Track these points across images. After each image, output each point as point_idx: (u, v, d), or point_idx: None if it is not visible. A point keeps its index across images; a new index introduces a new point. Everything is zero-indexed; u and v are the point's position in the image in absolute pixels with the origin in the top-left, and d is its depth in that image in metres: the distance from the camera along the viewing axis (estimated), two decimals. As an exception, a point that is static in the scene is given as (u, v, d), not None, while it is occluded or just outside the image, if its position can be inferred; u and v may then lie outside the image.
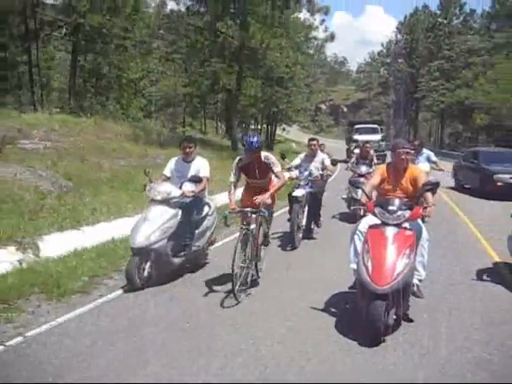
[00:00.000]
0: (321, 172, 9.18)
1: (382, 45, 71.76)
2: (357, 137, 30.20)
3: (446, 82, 48.97)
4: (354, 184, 6.68)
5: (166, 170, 6.70)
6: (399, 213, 4.86)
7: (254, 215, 5.94)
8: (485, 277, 6.53)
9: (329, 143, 35.67)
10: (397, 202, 4.96)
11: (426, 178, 5.44)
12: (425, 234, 5.23)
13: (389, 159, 9.16)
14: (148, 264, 5.88)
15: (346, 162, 14.02)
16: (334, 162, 11.03)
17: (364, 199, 5.29)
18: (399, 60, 58.61)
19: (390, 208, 4.89)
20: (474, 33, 52.18)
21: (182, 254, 6.36)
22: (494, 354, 4.22)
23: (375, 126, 34.99)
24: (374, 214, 4.96)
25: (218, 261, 6.92)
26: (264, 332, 4.64)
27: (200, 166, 6.67)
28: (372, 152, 11.72)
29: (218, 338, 4.48)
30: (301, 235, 8.58)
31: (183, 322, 4.85)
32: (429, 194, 5.14)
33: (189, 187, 6.40)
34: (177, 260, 6.26)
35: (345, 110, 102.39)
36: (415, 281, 5.18)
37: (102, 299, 5.45)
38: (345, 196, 11.58)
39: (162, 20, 30.22)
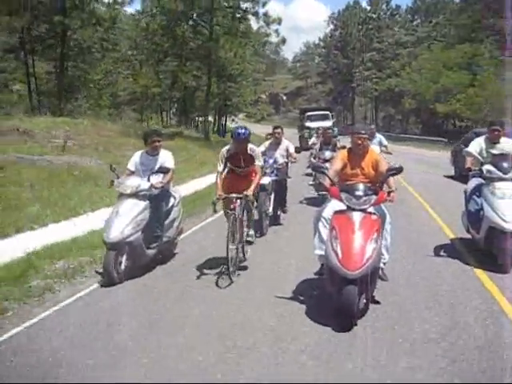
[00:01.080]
0: (285, 159, 9.37)
1: (319, 38, 77.11)
2: (309, 124, 31.16)
3: (378, 71, 54.80)
4: (317, 169, 6.37)
5: (130, 165, 6.69)
6: (365, 198, 4.86)
7: (239, 201, 6.20)
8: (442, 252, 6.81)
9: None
10: (362, 186, 4.96)
11: (386, 163, 5.61)
12: (388, 217, 5.22)
13: (341, 145, 10.72)
14: (124, 257, 5.94)
15: (310, 148, 14.48)
16: (298, 150, 11.50)
17: (328, 184, 5.22)
18: (335, 52, 63.92)
19: (357, 193, 4.87)
20: (400, 27, 58.34)
21: (155, 245, 6.40)
22: (452, 326, 4.40)
23: (326, 112, 35.29)
24: (340, 200, 4.92)
25: (187, 250, 7.18)
26: (237, 318, 4.72)
27: (165, 158, 6.71)
28: (335, 137, 12.25)
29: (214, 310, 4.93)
30: (268, 222, 8.63)
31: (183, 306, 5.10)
32: (391, 179, 5.21)
33: (156, 179, 6.45)
34: (150, 252, 6.30)
35: (284, 98, 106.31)
36: (380, 264, 5.08)
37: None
38: (311, 182, 11.87)
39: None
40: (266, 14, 27.51)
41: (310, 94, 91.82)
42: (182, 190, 11.21)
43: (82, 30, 24.36)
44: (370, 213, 4.80)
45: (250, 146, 6.55)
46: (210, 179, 13.13)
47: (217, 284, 5.68)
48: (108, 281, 5.69)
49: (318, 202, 10.28)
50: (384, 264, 5.16)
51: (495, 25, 46.22)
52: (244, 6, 28.21)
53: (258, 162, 6.60)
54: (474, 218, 6.67)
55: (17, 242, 7.24)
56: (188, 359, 3.89)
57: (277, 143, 9.27)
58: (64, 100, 27.43)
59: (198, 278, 5.97)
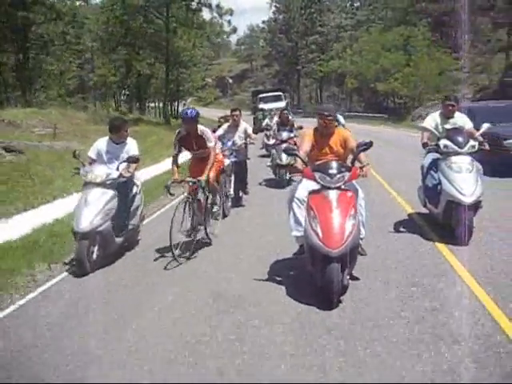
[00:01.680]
0: (244, 141, 9.53)
1: (263, 21, 78.99)
2: (262, 105, 31.35)
3: (321, 54, 57.56)
4: (288, 151, 5.70)
5: (92, 152, 6.66)
6: (339, 175, 4.85)
7: (194, 185, 6.38)
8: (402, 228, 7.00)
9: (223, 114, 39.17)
10: (335, 164, 4.98)
11: (354, 140, 5.46)
12: (360, 193, 5.23)
13: (298, 125, 11.60)
14: (96, 247, 5.99)
15: (266, 129, 14.79)
16: (256, 131, 12.51)
17: (300, 165, 5.20)
18: (280, 35, 66.24)
19: (331, 171, 4.86)
20: (340, 11, 61.28)
21: (123, 233, 6.49)
22: (416, 291, 4.70)
23: (279, 93, 36.20)
24: (314, 179, 4.92)
25: (150, 235, 7.39)
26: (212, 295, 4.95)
27: (131, 146, 6.73)
28: (291, 118, 12.57)
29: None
30: (230, 204, 8.75)
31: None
32: (362, 154, 5.17)
33: (123, 167, 6.46)
34: (118, 240, 6.37)
35: (230, 81, 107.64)
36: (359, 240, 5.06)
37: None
38: (269, 163, 12.06)
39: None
40: (218, 6, 29.49)
41: (255, 77, 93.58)
42: (159, 169, 12.71)
43: (44, 24, 25.49)
44: (345, 190, 4.87)
45: (200, 127, 6.70)
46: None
47: (165, 268, 5.89)
48: (80, 270, 5.77)
49: (277, 183, 10.87)
50: (361, 239, 5.16)
51: (427, 8, 49.80)
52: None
53: (210, 143, 6.73)
54: (432, 192, 6.77)
55: (57, 206, 9.38)
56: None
57: (235, 125, 9.46)
58: (28, 91, 28.53)
59: (156, 260, 6.23)
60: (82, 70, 43.01)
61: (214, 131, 8.82)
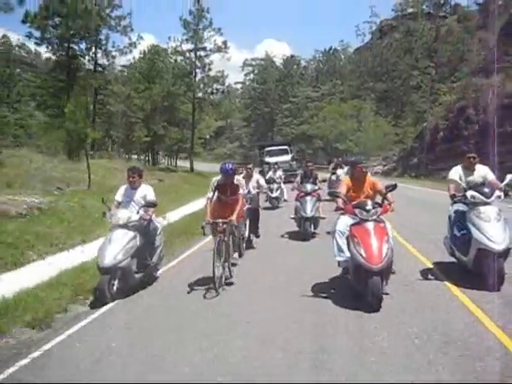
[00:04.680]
0: (257, 190, 10.52)
1: (236, 83, 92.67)
2: (268, 159, 31.44)
3: (293, 119, 71.68)
4: (332, 194, 6.97)
5: (117, 197, 7.50)
6: (374, 210, 6.21)
7: (224, 225, 7.15)
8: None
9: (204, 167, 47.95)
10: (370, 202, 6.34)
11: (383, 184, 6.96)
12: (388, 224, 6.38)
13: (322, 178, 12.95)
14: (116, 281, 6.64)
15: (269, 182, 15.41)
16: (272, 180, 14.53)
17: (342, 203, 6.52)
18: (259, 101, 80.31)
19: (367, 208, 6.22)
20: (308, 85, 76.32)
21: (143, 270, 7.18)
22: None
23: (285, 147, 35.50)
24: (354, 214, 6.24)
25: (166, 275, 8.03)
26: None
27: (146, 191, 7.49)
28: (315, 171, 12.60)
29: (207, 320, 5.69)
30: (244, 245, 9.39)
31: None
32: (389, 194, 6.58)
33: (143, 211, 7.22)
34: (138, 276, 7.06)
35: (207, 136, 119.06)
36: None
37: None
38: (293, 216, 11.92)
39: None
40: (228, 89, 42.93)
41: (231, 134, 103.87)
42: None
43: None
44: (379, 221, 6.19)
45: (236, 177, 7.72)
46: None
47: (204, 296, 6.60)
48: (101, 300, 6.40)
49: (301, 235, 11.06)
50: (391, 261, 6.21)
51: (374, 86, 64.92)
52: (215, 86, 43.95)
53: (242, 191, 7.66)
54: (461, 241, 6.97)
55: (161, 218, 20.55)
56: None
57: (249, 176, 10.39)
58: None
59: (189, 293, 6.89)
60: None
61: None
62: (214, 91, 44.01)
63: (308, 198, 11.33)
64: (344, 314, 5.68)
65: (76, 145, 21.62)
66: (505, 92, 25.78)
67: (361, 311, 5.65)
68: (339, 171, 18.00)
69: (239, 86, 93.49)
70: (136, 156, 63.79)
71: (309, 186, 11.59)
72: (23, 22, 27.72)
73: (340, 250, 6.46)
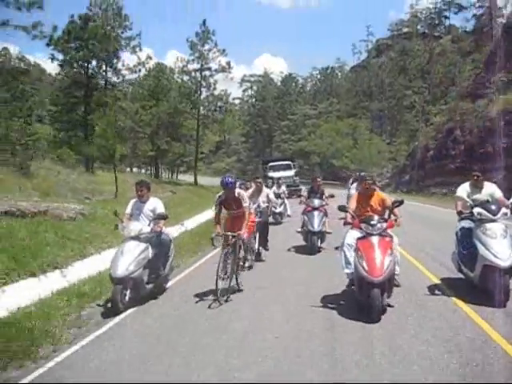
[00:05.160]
0: (267, 204, 11.05)
1: (233, 99, 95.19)
2: (272, 174, 31.28)
3: (292, 135, 74.24)
4: (342, 209, 7.21)
5: (128, 209, 7.79)
6: (379, 225, 6.50)
7: (233, 238, 7.50)
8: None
9: (204, 181, 49.42)
10: (376, 217, 6.65)
11: (391, 199, 7.29)
12: (395, 239, 6.77)
13: (329, 194, 12.46)
14: (128, 291, 6.91)
15: (299, 196, 15.14)
16: (277, 195, 14.64)
17: (350, 218, 6.90)
18: (257, 118, 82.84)
19: (372, 222, 6.53)
20: (305, 103, 79.06)
21: (153, 280, 7.46)
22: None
23: (288, 162, 35.88)
24: (360, 228, 6.57)
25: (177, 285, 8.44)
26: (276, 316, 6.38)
27: (155, 204, 7.75)
28: (322, 186, 12.50)
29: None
30: (254, 257, 9.71)
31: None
32: (396, 209, 6.92)
33: (153, 223, 7.50)
34: (149, 286, 7.34)
35: (206, 151, 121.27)
36: (395, 273, 6.63)
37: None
38: (299, 229, 12.13)
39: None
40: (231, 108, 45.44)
41: (228, 149, 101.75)
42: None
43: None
44: (384, 235, 6.49)
45: (237, 190, 7.84)
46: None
47: (210, 307, 6.92)
48: (114, 310, 6.69)
49: (308, 249, 11.31)
50: (397, 275, 6.91)
51: (369, 105, 67.60)
52: (219, 103, 46.39)
53: (245, 204, 7.80)
54: (468, 257, 7.11)
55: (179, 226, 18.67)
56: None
57: (258, 190, 10.85)
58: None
59: (197, 303, 7.22)
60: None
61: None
62: (218, 109, 46.36)
63: (315, 212, 11.56)
64: (349, 323, 6.03)
65: (106, 159, 23.71)
66: (487, 116, 28.18)
67: (362, 322, 5.98)
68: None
69: (237, 101, 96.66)
70: (137, 169, 66.07)
71: (316, 201, 11.78)
72: (47, 45, 30.08)
73: (347, 262, 6.77)
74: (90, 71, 35.34)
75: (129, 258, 6.94)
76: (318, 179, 12.74)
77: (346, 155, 57.74)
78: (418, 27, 73.96)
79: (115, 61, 36.82)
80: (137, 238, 7.22)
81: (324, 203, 11.78)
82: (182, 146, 54.02)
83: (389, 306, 6.47)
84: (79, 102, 37.59)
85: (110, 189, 24.76)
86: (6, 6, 19.70)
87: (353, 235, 6.83)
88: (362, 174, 9.67)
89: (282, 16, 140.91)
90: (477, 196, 7.38)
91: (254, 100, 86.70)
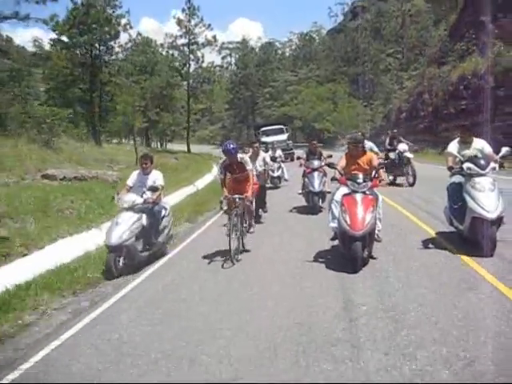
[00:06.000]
0: (264, 167, 11.28)
1: (215, 65, 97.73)
2: (264, 139, 30.82)
3: (274, 101, 77.42)
4: (331, 166, 7.77)
5: (129, 181, 8.14)
6: (363, 183, 6.86)
7: (240, 200, 7.87)
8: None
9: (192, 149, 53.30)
10: (361, 176, 6.99)
11: (378, 160, 7.82)
12: (380, 197, 7.19)
13: (327, 154, 13.00)
14: (122, 258, 7.28)
15: (298, 158, 14.38)
16: (274, 159, 14.99)
17: (338, 176, 7.26)
18: (240, 85, 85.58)
19: (358, 180, 6.90)
20: (287, 69, 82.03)
21: (149, 248, 7.81)
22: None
23: (281, 126, 36.09)
24: (346, 185, 6.96)
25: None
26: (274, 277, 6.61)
27: (156, 176, 8.16)
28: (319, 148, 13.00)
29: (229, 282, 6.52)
30: (253, 220, 9.47)
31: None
32: (381, 171, 7.42)
33: (149, 195, 7.83)
34: (144, 254, 7.71)
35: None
36: (376, 229, 7.00)
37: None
38: (300, 191, 12.53)
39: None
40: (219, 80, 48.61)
41: (211, 116, 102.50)
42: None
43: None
44: (368, 194, 6.84)
45: (239, 155, 8.17)
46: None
47: (223, 266, 7.30)
48: (108, 275, 7.10)
49: (309, 209, 11.81)
50: (379, 231, 7.29)
51: (347, 70, 70.86)
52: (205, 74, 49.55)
53: (248, 167, 8.17)
54: (458, 211, 7.37)
55: (192, 186, 22.74)
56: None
57: (255, 154, 11.24)
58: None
59: (209, 263, 7.60)
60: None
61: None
62: (206, 80, 49.50)
63: (315, 173, 11.96)
64: (335, 274, 6.51)
65: (125, 133, 27.00)
66: (450, 81, 32.01)
67: (345, 272, 6.48)
68: (401, 146, 15.86)
69: (217, 68, 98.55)
70: (127, 140, 69.04)
71: (315, 162, 12.16)
72: (53, 30, 32.80)
73: (333, 217, 7.19)
74: (94, 52, 38.02)
75: (122, 227, 7.31)
76: (314, 142, 13.43)
77: (326, 119, 61.43)
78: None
79: (114, 42, 39.51)
80: (130, 209, 7.57)
81: (323, 164, 11.94)
82: (171, 117, 57.16)
83: (371, 257, 6.98)
84: (77, 79, 40.49)
85: (121, 158, 28.14)
86: (26, 1, 22.74)
87: (340, 192, 7.22)
88: (352, 135, 10.22)
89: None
90: (466, 152, 7.55)
91: (235, 68, 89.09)
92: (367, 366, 3.96)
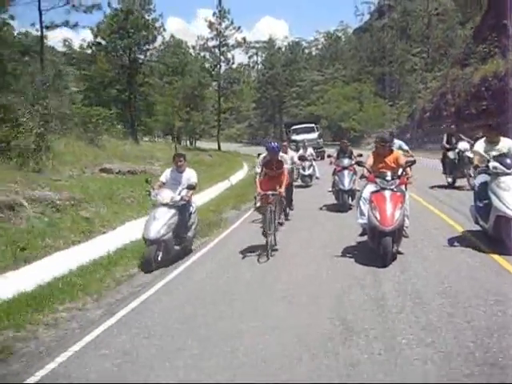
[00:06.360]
0: (292, 166, 11.35)
1: (243, 65, 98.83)
2: (295, 137, 31.62)
3: (301, 100, 78.91)
4: (360, 164, 8.12)
5: (162, 178, 8.49)
6: (392, 181, 7.06)
7: (273, 197, 8.09)
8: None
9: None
10: (389, 173, 7.18)
11: (404, 158, 7.96)
12: (406, 195, 7.38)
13: (357, 153, 13.38)
14: (160, 252, 7.68)
15: (328, 156, 14.58)
16: (303, 158, 14.84)
17: (367, 173, 7.49)
18: (267, 85, 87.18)
19: (386, 178, 7.09)
20: (312, 69, 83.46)
21: (181, 242, 8.22)
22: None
23: (311, 125, 36.29)
24: (375, 183, 7.13)
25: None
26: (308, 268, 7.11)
27: (190, 175, 8.44)
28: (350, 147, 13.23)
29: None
30: (283, 216, 10.03)
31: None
32: (408, 169, 7.60)
33: (184, 193, 8.14)
34: (177, 247, 8.13)
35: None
36: (404, 225, 7.17)
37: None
38: (331, 189, 12.70)
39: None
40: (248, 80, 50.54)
41: (238, 115, 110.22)
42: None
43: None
44: (396, 191, 7.04)
45: (280, 154, 8.65)
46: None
47: (258, 261, 7.62)
48: (147, 268, 7.51)
49: (339, 206, 12.02)
50: (407, 227, 7.47)
51: (373, 70, 71.85)
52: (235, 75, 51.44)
53: (286, 165, 8.64)
54: (483, 209, 7.52)
55: (227, 181, 26.76)
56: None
57: (284, 153, 10.97)
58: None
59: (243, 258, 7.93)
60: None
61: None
62: (236, 81, 51.43)
63: (345, 171, 12.20)
64: (363, 268, 6.82)
65: (167, 132, 29.06)
66: (472, 82, 33.21)
67: (375, 267, 6.71)
68: (462, 144, 14.68)
69: (245, 68, 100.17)
70: (158, 138, 71.37)
71: (346, 161, 12.39)
72: (95, 36, 35.19)
73: (362, 213, 7.53)
74: (132, 56, 40.34)
75: (160, 222, 7.68)
76: (345, 141, 13.82)
77: (352, 118, 62.60)
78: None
79: (151, 46, 41.74)
80: (166, 204, 7.93)
81: (353, 162, 12.04)
82: (201, 115, 59.13)
83: (399, 253, 7.23)
84: (114, 80, 42.82)
85: (159, 155, 30.11)
86: (75, 10, 24.97)
87: (368, 189, 7.52)
88: (379, 134, 10.47)
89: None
90: (492, 152, 7.69)
91: (262, 67, 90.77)
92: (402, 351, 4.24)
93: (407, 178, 7.60)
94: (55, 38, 61.17)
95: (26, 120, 13.90)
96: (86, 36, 38.70)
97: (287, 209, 11.18)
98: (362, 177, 8.27)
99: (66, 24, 24.71)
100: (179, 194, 8.15)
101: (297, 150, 17.54)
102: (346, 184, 11.94)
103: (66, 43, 46.92)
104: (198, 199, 14.57)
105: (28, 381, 4.18)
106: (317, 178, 17.33)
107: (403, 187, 7.52)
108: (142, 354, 4.54)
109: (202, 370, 4.13)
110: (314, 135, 33.96)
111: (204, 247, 9.30)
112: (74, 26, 25.17)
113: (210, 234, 10.33)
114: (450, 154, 14.75)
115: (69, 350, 4.71)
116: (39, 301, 5.96)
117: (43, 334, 5.19)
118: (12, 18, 23.58)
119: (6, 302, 6.00)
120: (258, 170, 8.70)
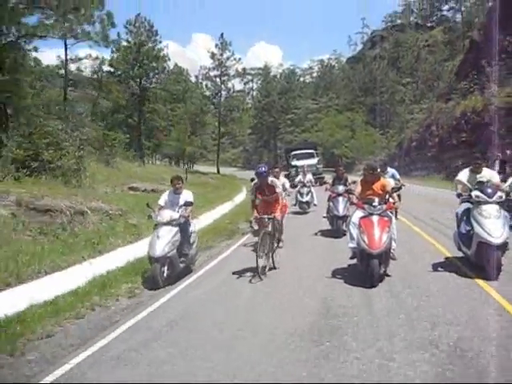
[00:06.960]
0: (283, 193, 10.64)
1: (239, 91, 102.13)
2: (295, 162, 32.15)
3: (296, 127, 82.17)
4: (348, 192, 9.15)
5: (161, 201, 8.73)
6: (379, 206, 7.46)
7: (269, 220, 8.37)
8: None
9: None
10: (377, 199, 7.56)
11: (391, 185, 8.52)
12: (393, 219, 7.82)
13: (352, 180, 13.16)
14: (165, 268, 7.93)
15: (296, 185, 15.96)
16: (293, 185, 15.37)
17: (355, 200, 7.90)
18: (263, 112, 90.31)
19: (373, 204, 7.48)
20: (308, 97, 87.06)
21: (183, 259, 8.46)
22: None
23: (311, 150, 36.33)
24: (363, 209, 7.51)
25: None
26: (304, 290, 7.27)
27: (187, 196, 8.75)
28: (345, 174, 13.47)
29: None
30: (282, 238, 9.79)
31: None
32: (394, 194, 8.07)
33: (182, 209, 8.44)
34: (181, 265, 8.40)
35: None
36: (391, 248, 7.55)
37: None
38: (326, 215, 12.87)
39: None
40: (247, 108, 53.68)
41: (233, 140, 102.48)
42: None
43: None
44: (383, 216, 7.45)
45: (270, 178, 8.78)
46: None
47: (250, 281, 7.87)
48: (154, 285, 7.71)
49: (333, 232, 12.21)
50: (394, 250, 7.72)
51: (365, 100, 75.40)
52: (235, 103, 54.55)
53: (278, 189, 8.72)
54: (466, 236, 7.74)
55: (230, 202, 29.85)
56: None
57: (276, 178, 10.77)
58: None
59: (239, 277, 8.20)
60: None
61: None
62: (235, 108, 54.52)
63: (340, 198, 12.35)
64: (351, 288, 7.16)
65: (178, 157, 31.68)
66: (454, 116, 36.35)
67: (362, 288, 7.03)
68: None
69: (240, 93, 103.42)
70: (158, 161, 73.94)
71: (340, 188, 12.50)
72: (111, 65, 38.21)
73: (352, 238, 7.69)
74: (142, 84, 43.39)
75: (164, 240, 7.95)
76: (340, 168, 14.04)
77: (345, 145, 65.66)
78: (412, 18, 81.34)
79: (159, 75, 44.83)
80: (168, 223, 8.21)
81: (347, 189, 11.76)
82: (200, 140, 62.00)
83: (386, 275, 7.55)
84: (122, 106, 45.71)
85: (167, 176, 32.54)
86: (97, 45, 27.67)
87: (357, 215, 7.77)
88: (368, 162, 11.22)
89: (277, 2, 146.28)
90: (477, 179, 8.04)
91: (258, 94, 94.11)
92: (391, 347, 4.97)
93: (393, 203, 8.00)
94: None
95: (68, 145, 16.39)
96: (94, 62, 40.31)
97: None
98: (352, 203, 8.85)
99: (88, 57, 27.38)
100: (178, 212, 8.53)
101: (296, 176, 18.02)
102: (341, 210, 12.15)
103: (77, 70, 49.64)
104: (214, 214, 17.39)
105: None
106: (315, 205, 16.99)
107: (389, 212, 7.85)
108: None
109: (202, 370, 4.72)
110: (314, 161, 34.09)
111: (232, 245, 11.85)
112: (95, 59, 27.74)
113: (233, 238, 13.10)
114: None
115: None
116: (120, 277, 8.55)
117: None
118: (35, 49, 25.96)
119: (106, 274, 8.56)
120: (252, 196, 9.02)
